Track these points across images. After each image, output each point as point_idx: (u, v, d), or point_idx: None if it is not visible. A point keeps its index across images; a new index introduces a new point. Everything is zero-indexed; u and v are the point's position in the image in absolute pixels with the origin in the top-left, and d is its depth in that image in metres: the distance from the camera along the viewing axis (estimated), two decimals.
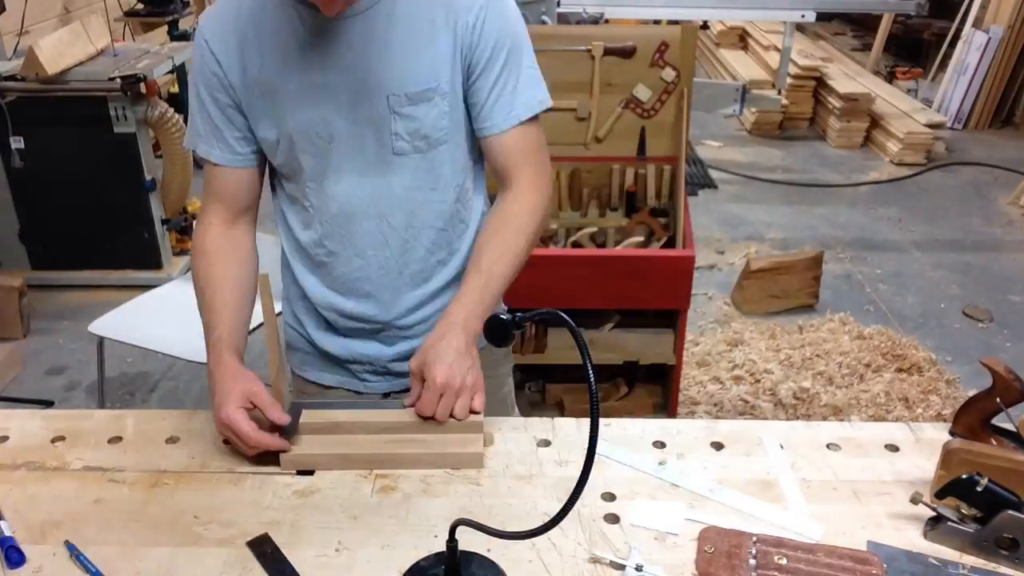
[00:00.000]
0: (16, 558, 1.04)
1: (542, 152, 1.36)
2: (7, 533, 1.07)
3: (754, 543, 1.06)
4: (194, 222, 1.45)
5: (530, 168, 1.33)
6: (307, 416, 1.27)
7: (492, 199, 1.41)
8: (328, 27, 1.23)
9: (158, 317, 2.54)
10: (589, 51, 2.57)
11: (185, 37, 4.70)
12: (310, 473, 1.21)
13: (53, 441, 1.28)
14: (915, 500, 1.09)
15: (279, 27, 1.25)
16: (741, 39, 7.44)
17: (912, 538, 1.10)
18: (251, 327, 1.39)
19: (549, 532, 0.93)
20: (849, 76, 6.12)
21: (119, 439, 1.29)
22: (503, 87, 1.29)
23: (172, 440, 1.28)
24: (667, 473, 1.22)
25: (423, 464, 1.22)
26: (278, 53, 1.25)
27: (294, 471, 1.21)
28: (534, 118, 1.32)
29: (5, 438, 1.29)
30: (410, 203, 1.34)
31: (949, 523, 1.07)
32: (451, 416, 1.23)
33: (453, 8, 1.25)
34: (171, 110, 3.65)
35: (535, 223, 1.33)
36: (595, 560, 1.05)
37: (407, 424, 1.26)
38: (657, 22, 4.78)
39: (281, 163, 1.35)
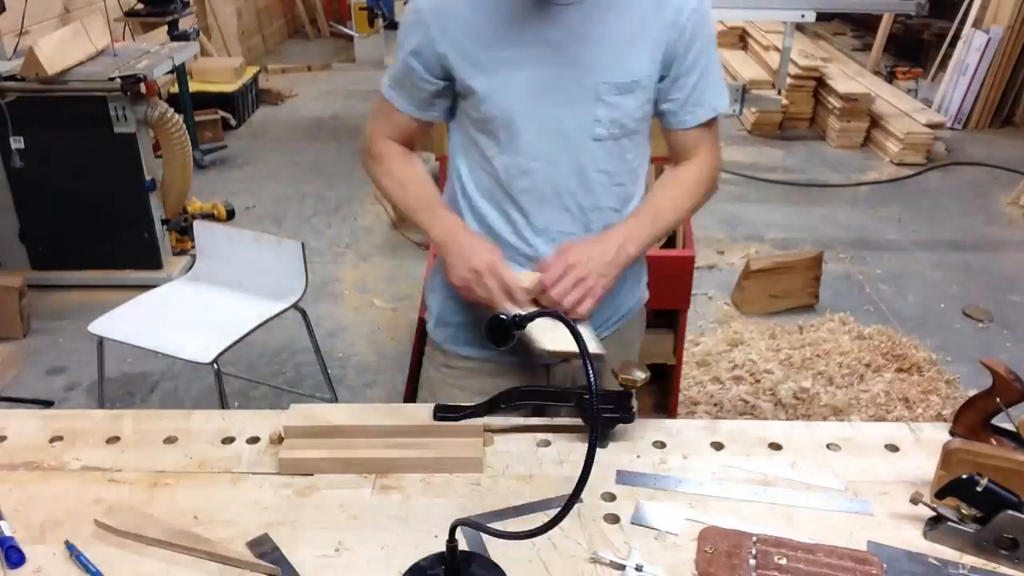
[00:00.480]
0: (16, 558, 1.04)
1: (717, 140, 1.48)
2: (7, 533, 1.07)
3: (754, 543, 1.06)
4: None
5: (710, 155, 1.46)
6: (305, 419, 1.27)
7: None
8: (549, 10, 1.29)
9: (158, 317, 2.54)
10: None
11: (185, 37, 4.70)
12: (310, 473, 1.21)
13: (51, 441, 1.28)
14: (915, 500, 1.09)
15: (500, 4, 1.30)
16: (741, 39, 7.44)
17: (912, 538, 1.10)
18: None
19: (549, 532, 0.93)
20: (849, 76, 6.13)
21: (117, 439, 1.29)
22: (701, 87, 1.38)
23: (170, 440, 1.28)
24: (667, 473, 1.22)
25: (423, 468, 1.22)
26: (501, 23, 1.30)
27: (292, 472, 1.21)
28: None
29: (3, 438, 1.29)
30: (597, 185, 1.40)
31: (949, 523, 1.07)
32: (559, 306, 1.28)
33: (665, 4, 1.32)
34: (171, 110, 3.65)
35: (702, 194, 1.46)
36: (595, 560, 1.05)
37: (407, 428, 1.26)
38: None
39: (479, 119, 1.38)
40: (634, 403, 1.27)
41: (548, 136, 1.35)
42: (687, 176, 1.45)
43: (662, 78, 1.37)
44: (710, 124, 1.43)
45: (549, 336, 1.26)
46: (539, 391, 1.32)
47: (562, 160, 1.36)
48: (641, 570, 1.02)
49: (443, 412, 1.28)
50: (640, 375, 1.26)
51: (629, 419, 1.27)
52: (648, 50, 1.33)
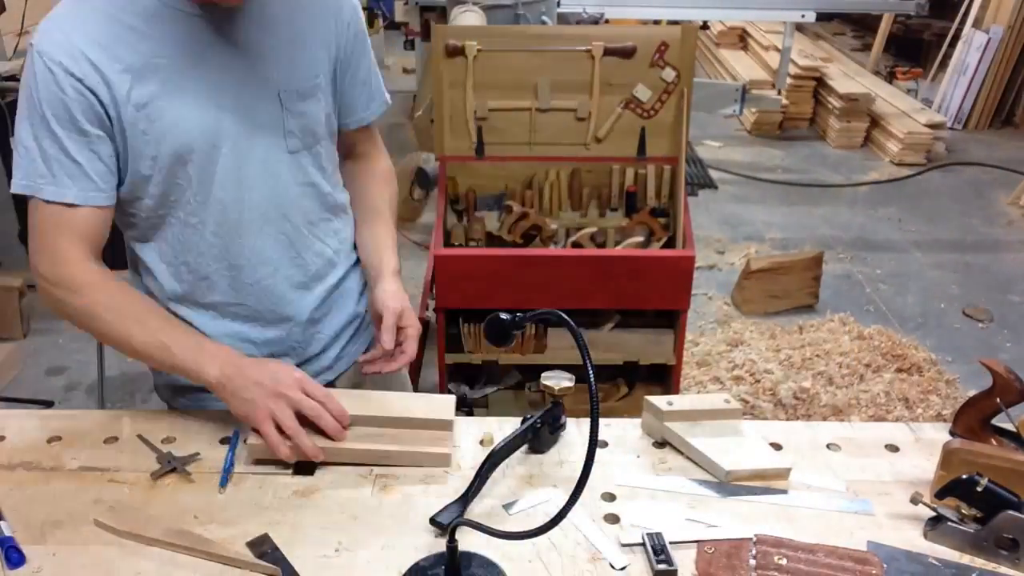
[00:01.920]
0: (16, 558, 1.04)
1: (378, 136, 1.56)
2: (7, 533, 1.07)
3: (754, 543, 1.06)
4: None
5: (381, 144, 1.56)
6: None
7: None
8: (212, 26, 1.18)
9: None
10: (589, 51, 2.57)
11: None
12: (310, 473, 1.21)
13: (49, 441, 1.28)
14: (915, 500, 1.09)
15: (150, 27, 1.15)
16: (741, 39, 7.44)
17: (912, 538, 1.10)
18: None
19: (549, 532, 0.93)
20: (849, 76, 6.13)
21: (115, 439, 1.29)
22: (369, 81, 1.42)
23: (168, 440, 1.28)
24: (667, 473, 1.22)
25: (390, 461, 1.21)
26: (151, 59, 1.15)
27: (291, 471, 1.21)
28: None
29: (2, 438, 1.29)
30: (305, 198, 1.35)
31: (949, 523, 1.07)
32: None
33: (327, 5, 1.31)
34: None
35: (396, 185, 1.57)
36: (595, 560, 1.05)
37: (376, 419, 1.25)
38: (657, 22, 4.78)
39: (156, 191, 1.22)
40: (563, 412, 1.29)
41: (246, 158, 1.24)
42: (386, 174, 1.55)
43: (344, 79, 1.37)
44: (376, 123, 1.51)
45: (727, 457, 1.21)
46: (498, 452, 1.20)
47: (264, 180, 1.27)
48: (641, 570, 1.02)
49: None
50: (563, 384, 1.28)
51: (560, 427, 1.28)
52: (320, 50, 1.30)
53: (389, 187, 1.55)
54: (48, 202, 1.19)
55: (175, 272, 1.32)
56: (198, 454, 1.24)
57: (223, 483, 1.18)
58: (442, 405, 1.28)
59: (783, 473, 1.20)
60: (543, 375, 1.30)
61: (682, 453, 1.25)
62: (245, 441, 1.22)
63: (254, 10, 1.22)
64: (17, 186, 1.20)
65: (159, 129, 1.17)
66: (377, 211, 1.50)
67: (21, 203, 4.02)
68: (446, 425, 1.25)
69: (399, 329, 1.34)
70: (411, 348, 1.35)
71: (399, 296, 1.37)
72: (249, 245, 1.31)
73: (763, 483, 1.19)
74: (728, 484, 1.18)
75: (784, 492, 1.17)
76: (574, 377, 1.28)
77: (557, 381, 1.29)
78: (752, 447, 1.24)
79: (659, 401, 1.28)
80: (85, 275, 1.20)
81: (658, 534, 1.07)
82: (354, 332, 1.52)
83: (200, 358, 1.20)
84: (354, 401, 1.26)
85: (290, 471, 1.21)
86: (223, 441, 1.27)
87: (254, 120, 1.24)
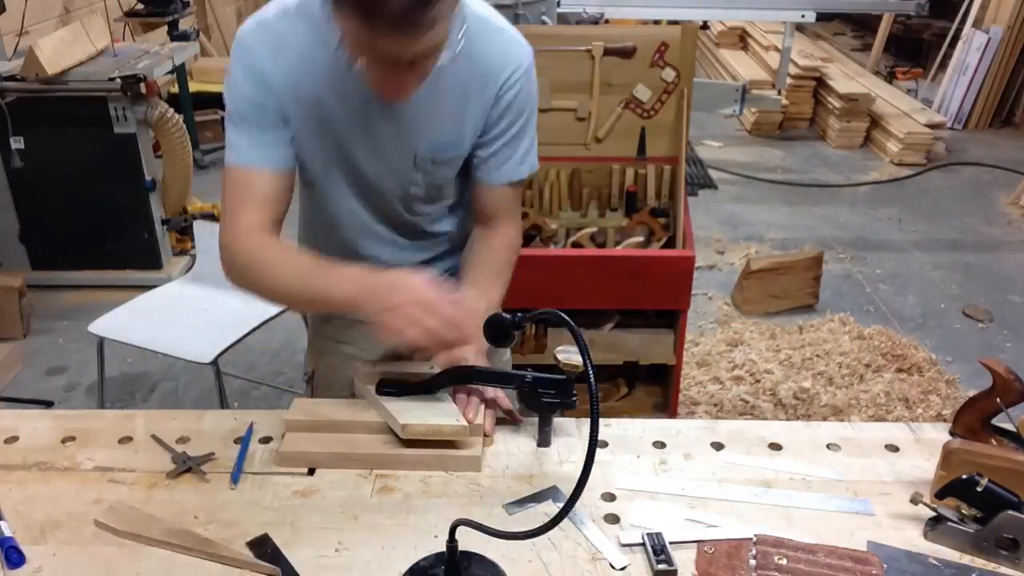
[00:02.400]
0: (16, 558, 1.04)
1: (520, 201, 1.52)
2: (7, 533, 1.07)
3: (754, 543, 1.06)
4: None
5: (515, 215, 1.49)
6: (307, 414, 1.27)
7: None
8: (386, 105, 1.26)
9: (158, 317, 2.54)
10: (589, 51, 2.57)
11: (185, 37, 4.69)
12: (310, 473, 1.21)
13: (63, 441, 1.28)
14: (915, 500, 1.09)
15: (349, 90, 1.26)
16: (741, 39, 7.44)
17: (912, 538, 1.10)
18: None
19: (549, 532, 0.93)
20: (849, 76, 6.12)
21: (129, 439, 1.29)
22: (513, 148, 1.39)
23: (183, 440, 1.28)
24: (667, 473, 1.22)
25: (422, 466, 1.22)
26: (339, 98, 1.27)
27: (306, 471, 1.21)
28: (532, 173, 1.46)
29: (15, 438, 1.29)
30: (416, 232, 1.46)
31: (949, 523, 1.07)
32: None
33: (491, 77, 1.31)
34: (171, 110, 3.65)
35: (515, 260, 1.48)
36: (595, 560, 1.05)
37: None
38: (657, 22, 4.78)
39: (307, 175, 1.38)
40: (575, 389, 1.24)
41: (373, 191, 1.38)
42: (507, 240, 1.46)
43: (485, 138, 1.37)
44: (519, 186, 1.45)
45: (409, 414, 1.23)
46: (480, 372, 1.25)
47: (383, 214, 1.41)
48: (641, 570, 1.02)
49: (386, 388, 1.28)
50: (573, 359, 1.26)
51: (571, 405, 1.23)
52: (471, 122, 1.34)
53: (504, 252, 1.45)
54: (239, 169, 1.29)
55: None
56: (212, 454, 1.24)
57: (235, 479, 1.18)
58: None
59: (461, 432, 1.21)
60: (557, 350, 1.29)
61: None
62: (274, 440, 1.22)
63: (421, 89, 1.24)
64: (226, 164, 1.32)
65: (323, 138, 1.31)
66: (483, 270, 1.42)
67: (21, 203, 4.00)
68: (476, 430, 1.25)
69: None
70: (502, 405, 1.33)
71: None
72: (357, 259, 1.40)
73: (445, 443, 1.21)
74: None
75: (768, 488, 1.17)
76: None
77: (568, 356, 1.27)
78: (442, 410, 1.24)
79: (365, 364, 1.33)
80: (256, 245, 1.29)
81: (658, 534, 1.07)
82: None
83: (332, 279, 1.24)
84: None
85: (291, 471, 1.21)
86: (237, 441, 1.27)
87: (388, 167, 1.34)
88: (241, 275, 1.30)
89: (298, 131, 1.29)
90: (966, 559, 1.06)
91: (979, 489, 1.04)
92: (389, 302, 1.16)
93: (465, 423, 1.22)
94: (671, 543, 1.06)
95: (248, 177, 1.28)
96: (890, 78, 6.59)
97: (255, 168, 1.27)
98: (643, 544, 1.06)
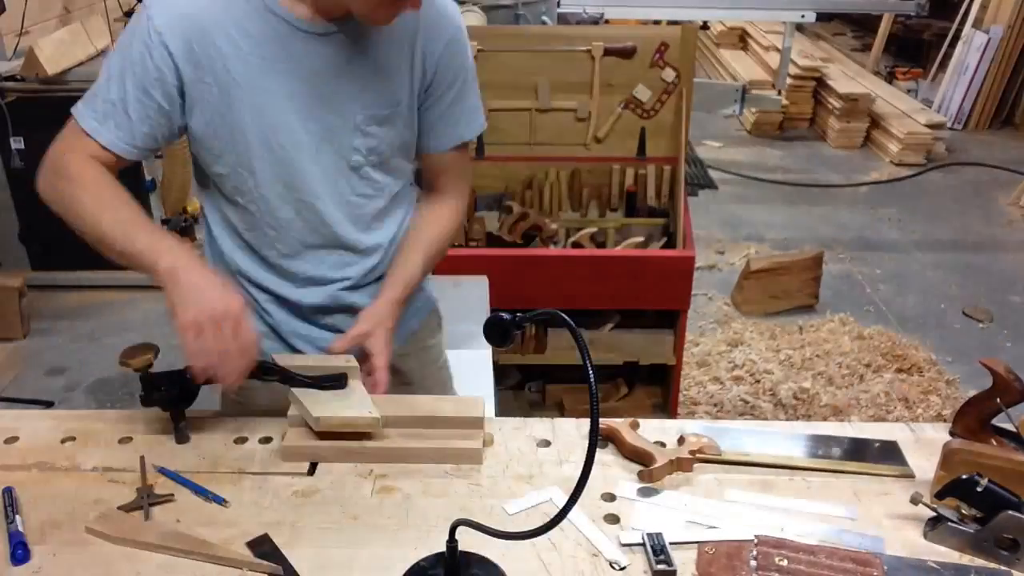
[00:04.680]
0: (21, 555, 1.04)
1: (468, 168, 1.53)
2: (21, 529, 1.08)
3: (755, 544, 1.06)
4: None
5: (462, 182, 1.50)
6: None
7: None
8: (312, 40, 1.25)
9: None
10: (589, 51, 2.57)
11: None
12: (310, 473, 1.21)
13: (63, 441, 1.28)
14: (915, 500, 1.09)
15: (257, 30, 1.23)
16: (741, 39, 7.44)
17: (912, 538, 1.10)
18: None
19: (549, 532, 0.93)
20: (849, 76, 6.13)
21: (129, 439, 1.29)
22: (454, 111, 1.39)
23: (183, 440, 1.28)
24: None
25: (423, 459, 1.22)
26: (252, 56, 1.23)
27: (306, 471, 1.21)
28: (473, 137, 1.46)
29: (15, 439, 1.29)
30: (357, 208, 1.38)
31: (949, 523, 1.07)
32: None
33: (421, 36, 1.31)
34: None
35: (457, 228, 1.51)
36: (595, 560, 1.05)
37: (408, 419, 1.26)
38: (657, 22, 4.78)
39: (225, 168, 1.31)
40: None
41: (309, 164, 1.31)
42: (445, 217, 1.46)
43: (420, 106, 1.36)
44: (465, 151, 1.46)
45: (323, 407, 1.23)
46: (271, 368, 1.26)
47: (321, 186, 1.33)
48: (641, 570, 1.02)
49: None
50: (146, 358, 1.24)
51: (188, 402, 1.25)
52: (405, 79, 1.32)
53: (445, 223, 1.46)
54: (83, 131, 1.26)
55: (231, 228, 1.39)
56: (172, 495, 1.18)
57: (219, 501, 1.15)
58: (472, 404, 1.30)
59: (373, 423, 1.21)
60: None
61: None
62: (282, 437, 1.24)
63: (347, 32, 1.26)
64: (75, 107, 1.27)
65: (230, 120, 1.26)
66: (419, 239, 1.43)
67: (21, 203, 3.99)
68: (477, 423, 1.26)
69: (366, 356, 1.33)
70: (380, 378, 1.32)
71: (377, 319, 1.35)
72: (297, 239, 1.36)
73: (354, 431, 1.22)
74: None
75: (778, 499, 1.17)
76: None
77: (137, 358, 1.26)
78: (356, 400, 1.24)
79: (283, 359, 1.29)
80: (80, 168, 1.25)
81: (658, 534, 1.07)
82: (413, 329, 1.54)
83: (158, 246, 1.21)
84: (385, 402, 1.28)
85: (291, 471, 1.21)
86: (237, 441, 1.27)
87: (324, 132, 1.30)
88: (55, 184, 1.27)
89: (204, 106, 1.25)
90: (966, 559, 1.06)
91: (979, 489, 1.04)
92: (193, 296, 1.15)
93: (377, 415, 1.21)
94: (671, 543, 1.06)
95: (88, 145, 1.26)
96: (890, 78, 6.59)
97: (100, 142, 1.26)
98: (643, 544, 1.06)
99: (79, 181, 1.24)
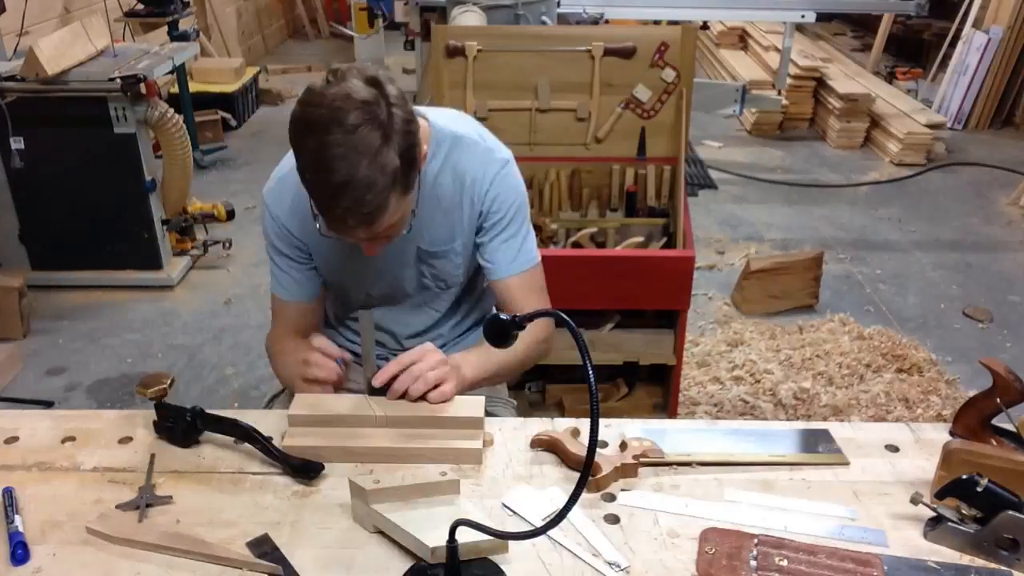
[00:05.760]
0: (21, 555, 1.04)
1: (543, 292, 1.60)
2: (20, 528, 1.08)
3: (755, 544, 1.06)
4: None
5: (526, 306, 1.53)
6: (311, 409, 1.28)
7: None
8: None
9: None
10: (589, 51, 2.57)
11: (185, 37, 4.69)
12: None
13: (63, 441, 1.28)
14: (915, 500, 1.09)
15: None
16: (741, 39, 7.44)
17: (912, 538, 1.10)
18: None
19: (549, 532, 0.93)
20: (849, 76, 6.12)
21: (129, 439, 1.29)
22: (511, 242, 1.53)
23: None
24: (668, 474, 1.22)
25: (424, 459, 1.22)
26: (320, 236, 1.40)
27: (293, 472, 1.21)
28: (533, 266, 1.57)
29: (15, 438, 1.29)
30: (429, 321, 1.64)
31: (949, 523, 1.07)
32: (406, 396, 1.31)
33: (468, 186, 1.48)
34: (171, 110, 3.65)
35: (530, 354, 1.57)
36: (595, 560, 1.05)
37: (409, 419, 1.26)
38: (657, 22, 4.78)
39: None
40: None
41: (391, 289, 1.58)
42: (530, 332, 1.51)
43: (484, 239, 1.53)
44: (533, 275, 1.57)
45: (432, 535, 1.04)
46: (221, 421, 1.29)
47: (402, 305, 1.61)
48: (641, 571, 1.02)
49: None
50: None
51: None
52: (458, 223, 1.50)
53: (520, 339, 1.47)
54: (272, 294, 1.59)
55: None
56: (171, 497, 1.18)
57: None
58: (472, 404, 1.30)
59: (501, 547, 1.06)
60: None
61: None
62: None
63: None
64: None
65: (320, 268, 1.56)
66: (478, 345, 1.51)
67: (21, 203, 4.00)
68: (477, 423, 1.27)
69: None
70: (446, 389, 1.32)
71: (437, 355, 1.35)
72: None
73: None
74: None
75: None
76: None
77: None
78: (452, 512, 1.06)
79: (363, 480, 1.10)
80: (280, 344, 1.58)
81: None
82: None
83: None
84: (386, 403, 1.29)
85: (291, 472, 1.21)
86: (237, 441, 1.27)
87: (401, 267, 1.54)
88: (271, 362, 1.62)
89: (317, 261, 1.54)
90: (966, 559, 1.06)
91: (979, 489, 1.04)
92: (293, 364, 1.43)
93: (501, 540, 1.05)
94: (671, 542, 1.06)
95: (280, 304, 1.58)
96: (890, 78, 6.59)
97: (282, 299, 1.57)
98: None
99: (279, 355, 1.59)
